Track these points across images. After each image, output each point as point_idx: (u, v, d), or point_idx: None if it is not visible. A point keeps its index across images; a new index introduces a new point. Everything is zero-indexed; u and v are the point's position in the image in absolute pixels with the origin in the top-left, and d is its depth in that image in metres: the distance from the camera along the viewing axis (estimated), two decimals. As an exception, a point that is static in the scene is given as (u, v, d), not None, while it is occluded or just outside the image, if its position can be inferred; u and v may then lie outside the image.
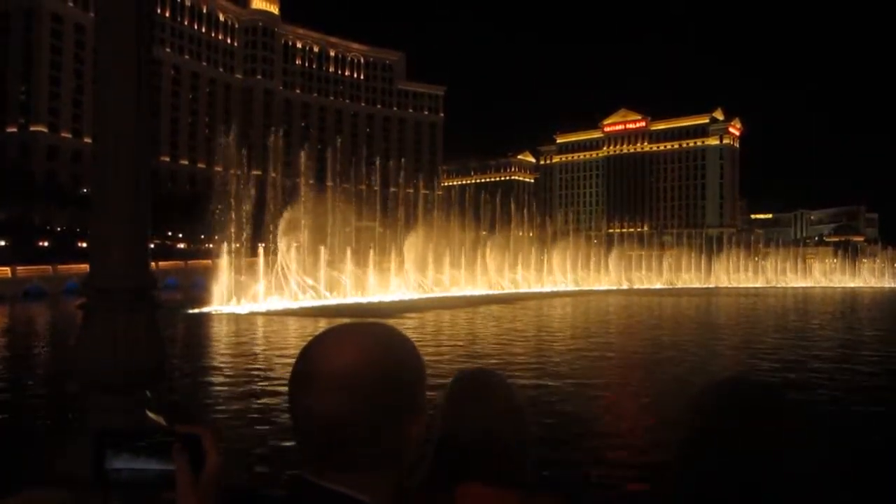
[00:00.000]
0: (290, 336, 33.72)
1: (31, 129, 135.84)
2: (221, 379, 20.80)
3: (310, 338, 1.29)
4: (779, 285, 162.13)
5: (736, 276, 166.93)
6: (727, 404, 1.38)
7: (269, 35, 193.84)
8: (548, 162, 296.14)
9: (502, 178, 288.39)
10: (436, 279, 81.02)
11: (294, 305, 54.83)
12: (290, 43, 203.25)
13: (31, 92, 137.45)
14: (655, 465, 11.15)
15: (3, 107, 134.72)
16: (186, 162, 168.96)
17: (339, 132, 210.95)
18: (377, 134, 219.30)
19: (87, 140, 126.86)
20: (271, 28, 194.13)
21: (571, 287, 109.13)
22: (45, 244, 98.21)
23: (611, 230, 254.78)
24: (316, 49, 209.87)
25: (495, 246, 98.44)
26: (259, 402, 16.75)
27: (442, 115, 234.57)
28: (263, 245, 63.07)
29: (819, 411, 15.42)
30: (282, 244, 61.95)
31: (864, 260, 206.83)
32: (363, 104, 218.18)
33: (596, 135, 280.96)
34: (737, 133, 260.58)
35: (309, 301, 58.44)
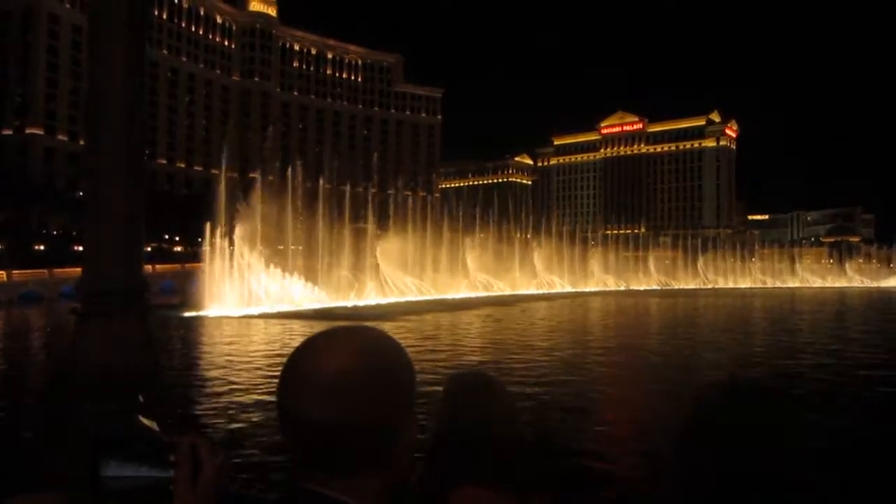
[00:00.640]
0: (278, 339, 33.68)
1: (28, 131, 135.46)
2: (212, 382, 20.76)
3: (298, 340, 1.26)
4: (778, 285, 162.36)
5: (732, 276, 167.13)
6: (725, 403, 1.40)
7: (267, 37, 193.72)
8: (545, 164, 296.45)
9: (500, 181, 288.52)
10: (416, 282, 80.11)
11: (291, 308, 54.75)
12: (288, 45, 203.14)
13: (27, 94, 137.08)
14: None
15: (0, 108, 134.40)
16: (183, 164, 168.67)
17: (336, 134, 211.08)
18: (375, 136, 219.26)
19: (84, 142, 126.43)
20: (269, 30, 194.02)
21: (569, 289, 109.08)
22: (41, 248, 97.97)
23: (608, 232, 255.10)
24: (313, 51, 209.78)
25: (482, 248, 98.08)
26: (250, 404, 16.73)
27: (439, 117, 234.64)
28: (261, 247, 63.03)
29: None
30: (266, 247, 61.92)
31: (860, 260, 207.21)
32: (361, 106, 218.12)
33: (593, 137, 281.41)
34: (733, 135, 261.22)
35: (306, 304, 58.36)
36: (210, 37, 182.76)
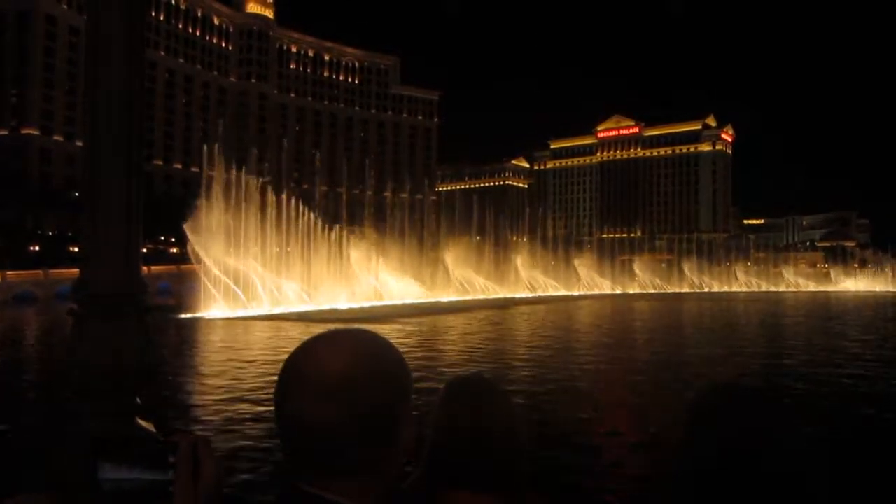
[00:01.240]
0: (273, 341, 33.63)
1: (24, 131, 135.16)
2: (206, 384, 20.72)
3: (288, 343, 1.39)
4: (772, 290, 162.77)
5: (727, 281, 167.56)
6: (723, 408, 1.41)
7: (264, 39, 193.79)
8: (542, 167, 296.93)
9: (497, 184, 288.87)
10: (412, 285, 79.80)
11: (287, 310, 54.68)
12: (285, 47, 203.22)
13: (24, 94, 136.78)
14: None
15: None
16: (180, 166, 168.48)
17: (333, 136, 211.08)
18: (372, 138, 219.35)
19: (80, 143, 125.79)
20: (266, 32, 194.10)
21: (563, 292, 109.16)
22: (37, 248, 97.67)
23: (604, 235, 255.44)
24: (311, 53, 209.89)
25: (476, 251, 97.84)
26: (244, 407, 16.70)
27: (436, 119, 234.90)
28: (256, 248, 62.89)
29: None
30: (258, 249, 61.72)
31: (856, 265, 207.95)
32: (358, 108, 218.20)
33: (590, 140, 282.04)
34: (729, 139, 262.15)
35: (302, 306, 58.30)
36: (207, 38, 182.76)
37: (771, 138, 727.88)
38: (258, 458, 11.94)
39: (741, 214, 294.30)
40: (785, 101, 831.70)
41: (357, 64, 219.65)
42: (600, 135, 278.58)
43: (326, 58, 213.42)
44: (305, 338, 1.30)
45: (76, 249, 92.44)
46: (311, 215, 68.67)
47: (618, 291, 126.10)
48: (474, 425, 1.80)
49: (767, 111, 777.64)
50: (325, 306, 58.93)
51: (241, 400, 17.74)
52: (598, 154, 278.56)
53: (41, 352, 30.81)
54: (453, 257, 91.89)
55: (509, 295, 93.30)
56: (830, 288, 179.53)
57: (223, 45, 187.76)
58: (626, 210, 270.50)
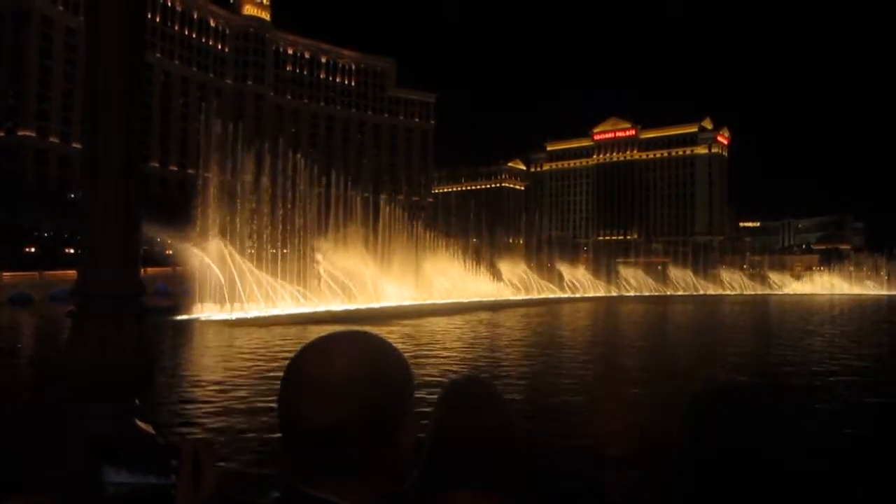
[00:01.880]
0: (270, 342, 33.56)
1: (20, 133, 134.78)
2: (202, 385, 20.67)
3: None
4: (768, 292, 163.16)
5: (722, 283, 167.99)
6: (720, 407, 1.42)
7: (261, 41, 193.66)
8: (538, 169, 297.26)
9: (493, 186, 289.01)
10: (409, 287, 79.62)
11: (283, 312, 54.57)
12: (282, 49, 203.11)
13: (20, 95, 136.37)
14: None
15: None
16: (176, 167, 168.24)
17: (329, 138, 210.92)
18: (368, 140, 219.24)
19: (76, 145, 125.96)
20: (262, 34, 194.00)
21: (558, 295, 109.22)
22: (32, 250, 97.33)
23: (600, 238, 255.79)
24: (307, 55, 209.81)
25: (472, 254, 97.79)
26: (238, 408, 16.67)
27: (433, 122, 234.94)
28: (252, 251, 62.81)
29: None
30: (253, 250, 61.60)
31: (851, 268, 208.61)
32: (354, 111, 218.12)
33: (586, 143, 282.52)
34: (725, 142, 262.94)
35: (294, 308, 58.19)
36: (204, 40, 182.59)
37: (767, 141, 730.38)
38: (254, 459, 11.92)
39: (737, 217, 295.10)
40: (781, 104, 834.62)
41: (353, 66, 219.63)
42: (597, 137, 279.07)
43: (323, 60, 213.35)
44: (303, 339, 1.26)
45: (72, 251, 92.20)
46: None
47: (613, 294, 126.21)
48: (472, 426, 1.81)
49: (763, 114, 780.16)
50: (321, 308, 58.89)
51: (236, 401, 17.71)
52: (595, 156, 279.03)
53: (38, 353, 30.71)
54: (441, 262, 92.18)
55: (500, 297, 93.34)
56: (834, 291, 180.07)
57: (219, 47, 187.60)
58: (622, 212, 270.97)
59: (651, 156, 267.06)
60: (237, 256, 58.23)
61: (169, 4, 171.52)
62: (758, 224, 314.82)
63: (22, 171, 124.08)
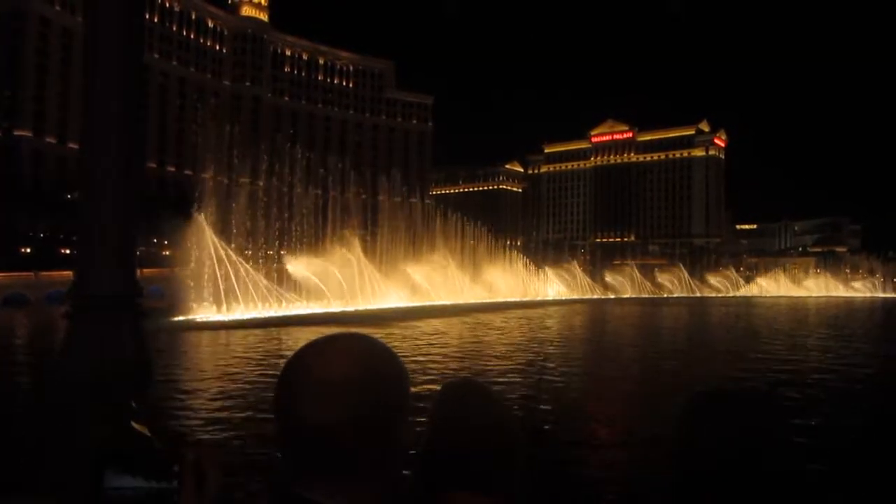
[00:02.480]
0: (265, 344, 33.53)
1: (16, 133, 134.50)
2: (197, 388, 20.63)
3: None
4: (766, 294, 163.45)
5: (718, 285, 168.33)
6: (716, 412, 1.44)
7: (259, 42, 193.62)
8: (536, 171, 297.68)
9: (491, 188, 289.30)
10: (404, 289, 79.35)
11: (278, 313, 54.54)
12: (280, 50, 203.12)
13: (16, 95, 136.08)
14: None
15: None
16: (174, 168, 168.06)
17: (327, 140, 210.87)
18: (366, 142, 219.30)
19: (73, 145, 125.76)
20: (261, 35, 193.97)
21: (555, 297, 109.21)
22: (28, 251, 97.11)
23: (598, 240, 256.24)
24: (305, 57, 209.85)
25: (468, 256, 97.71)
26: (233, 411, 16.64)
27: (431, 124, 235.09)
28: (249, 253, 62.75)
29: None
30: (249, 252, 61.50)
31: (847, 270, 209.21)
32: (352, 112, 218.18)
33: (583, 145, 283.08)
34: (722, 145, 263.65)
35: (293, 310, 58.13)
36: (202, 41, 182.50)
37: (764, 143, 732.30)
38: (249, 462, 11.89)
39: (734, 219, 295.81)
40: (778, 106, 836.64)
41: (352, 68, 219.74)
42: (594, 139, 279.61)
43: (321, 61, 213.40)
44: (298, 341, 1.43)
45: (68, 252, 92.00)
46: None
47: (610, 297, 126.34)
48: (468, 427, 1.84)
49: (760, 116, 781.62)
50: (318, 310, 58.87)
51: (230, 405, 17.67)
52: (593, 158, 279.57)
53: (33, 354, 30.61)
54: (463, 264, 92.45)
55: (501, 299, 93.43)
56: (832, 293, 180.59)
57: (217, 48, 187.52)
58: (619, 215, 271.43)
59: (648, 158, 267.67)
60: (233, 258, 58.13)
61: (167, 5, 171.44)
62: (755, 226, 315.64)
63: (18, 171, 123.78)
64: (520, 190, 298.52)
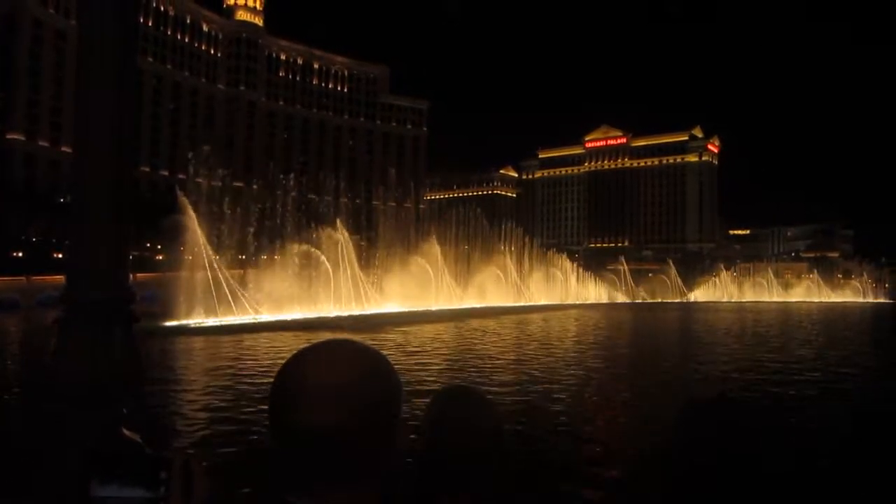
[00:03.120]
0: (259, 349, 33.42)
1: (8, 136, 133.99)
2: (190, 394, 20.54)
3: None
4: (758, 300, 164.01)
5: (712, 291, 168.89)
6: (708, 420, 1.45)
7: (253, 46, 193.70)
8: (530, 177, 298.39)
9: (485, 193, 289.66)
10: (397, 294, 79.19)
11: (271, 318, 54.38)
12: (274, 55, 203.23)
13: (8, 99, 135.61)
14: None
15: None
16: (167, 172, 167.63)
17: (322, 144, 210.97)
18: (360, 147, 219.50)
19: (66, 149, 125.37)
20: (255, 39, 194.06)
21: (547, 301, 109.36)
22: (20, 254, 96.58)
23: (592, 245, 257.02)
24: (300, 61, 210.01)
25: (463, 261, 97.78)
26: (226, 419, 16.57)
27: (425, 129, 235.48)
28: (243, 257, 62.61)
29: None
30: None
31: (839, 275, 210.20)
32: (346, 117, 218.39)
33: (577, 150, 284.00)
34: (715, 150, 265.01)
35: (287, 314, 57.97)
36: (196, 45, 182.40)
37: (757, 149, 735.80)
38: (239, 469, 11.83)
39: (727, 225, 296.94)
40: (771, 112, 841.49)
41: (346, 72, 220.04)
42: (588, 145, 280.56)
43: (315, 66, 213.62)
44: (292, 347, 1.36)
45: (61, 255, 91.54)
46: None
47: (604, 301, 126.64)
48: (462, 433, 1.83)
49: (753, 122, 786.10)
50: (313, 314, 58.73)
51: (223, 410, 17.59)
52: (587, 164, 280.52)
53: (24, 359, 30.41)
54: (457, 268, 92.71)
55: (495, 304, 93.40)
56: (823, 298, 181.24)
57: (212, 52, 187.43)
58: (613, 220, 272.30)
59: (642, 164, 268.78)
60: (225, 262, 57.96)
61: (161, 9, 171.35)
62: (747, 232, 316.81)
63: (10, 174, 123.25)
64: (514, 195, 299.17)
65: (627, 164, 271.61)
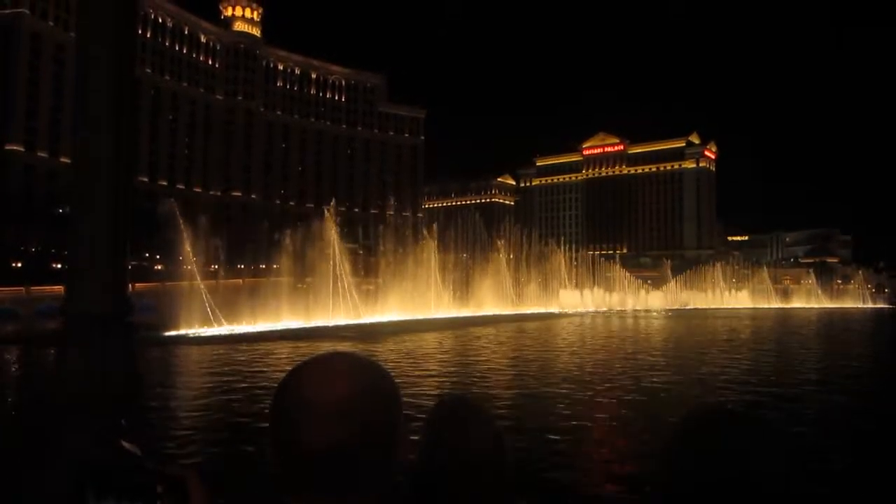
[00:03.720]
0: (256, 360, 33.36)
1: (7, 147, 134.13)
2: (188, 406, 20.50)
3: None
4: (759, 306, 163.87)
5: (712, 297, 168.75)
6: (707, 432, 1.42)
7: (251, 57, 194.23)
8: (527, 184, 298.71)
9: (483, 201, 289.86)
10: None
11: (270, 328, 54.31)
12: (272, 65, 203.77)
13: (7, 110, 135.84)
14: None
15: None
16: (165, 183, 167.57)
17: (319, 154, 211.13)
18: (358, 156, 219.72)
19: (65, 159, 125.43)
20: (253, 50, 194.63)
21: (545, 309, 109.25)
22: (19, 265, 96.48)
23: (590, 252, 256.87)
24: (297, 71, 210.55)
25: (462, 268, 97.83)
26: (225, 430, 16.55)
27: (423, 137, 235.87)
28: (241, 267, 62.65)
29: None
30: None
31: (839, 281, 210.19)
32: (344, 126, 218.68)
33: (575, 158, 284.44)
34: (712, 157, 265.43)
35: (285, 324, 57.90)
36: (194, 56, 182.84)
37: (754, 155, 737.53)
38: (238, 481, 11.82)
39: (725, 231, 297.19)
40: (767, 117, 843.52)
41: (343, 82, 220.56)
42: (586, 152, 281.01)
43: (313, 75, 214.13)
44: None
45: (59, 266, 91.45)
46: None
47: (603, 309, 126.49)
48: (458, 445, 1.82)
49: (750, 128, 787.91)
50: (312, 324, 58.69)
51: (222, 421, 17.57)
52: (584, 171, 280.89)
53: (22, 371, 30.34)
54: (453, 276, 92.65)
55: (496, 311, 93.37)
56: (825, 305, 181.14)
57: (210, 62, 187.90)
58: (611, 227, 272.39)
59: (639, 170, 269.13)
60: (226, 272, 57.98)
61: (160, 20, 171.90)
62: (746, 238, 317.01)
63: (9, 185, 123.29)
64: (512, 203, 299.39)
65: (625, 171, 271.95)
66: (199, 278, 55.69)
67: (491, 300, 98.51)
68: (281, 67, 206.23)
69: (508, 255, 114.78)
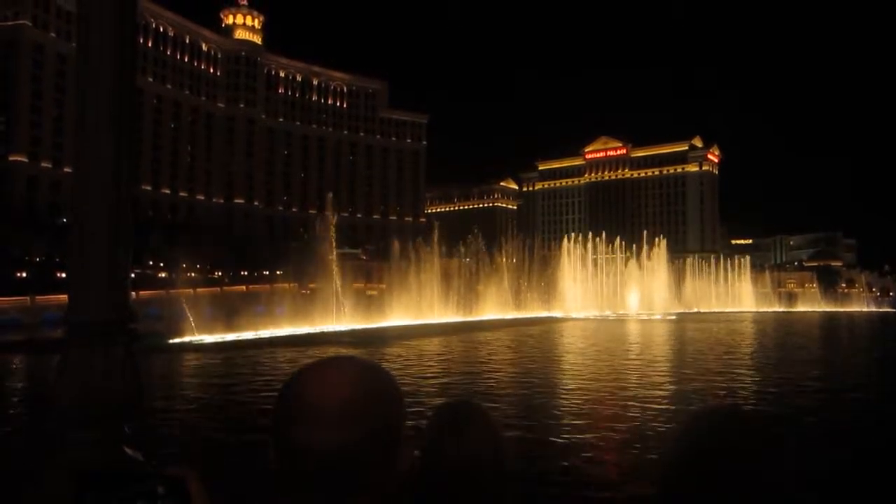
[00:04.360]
0: (261, 366, 33.34)
1: (11, 158, 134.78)
2: (190, 412, 20.49)
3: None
4: (764, 310, 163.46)
5: (717, 301, 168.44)
6: (713, 432, 1.43)
7: (252, 64, 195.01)
8: (530, 189, 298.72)
9: (485, 205, 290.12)
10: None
11: (274, 333, 54.32)
12: (273, 72, 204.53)
13: (11, 121, 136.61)
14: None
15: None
16: (168, 191, 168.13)
17: (321, 160, 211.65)
18: (360, 162, 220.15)
19: (68, 169, 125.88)
20: (254, 57, 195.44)
21: (547, 314, 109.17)
22: (23, 275, 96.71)
23: (593, 257, 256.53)
24: (299, 78, 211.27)
25: (464, 274, 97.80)
26: (227, 435, 16.53)
27: (425, 143, 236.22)
28: (244, 274, 62.71)
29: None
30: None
31: (843, 285, 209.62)
32: (346, 132, 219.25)
33: (578, 162, 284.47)
34: (715, 160, 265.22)
35: (289, 330, 57.91)
36: (196, 64, 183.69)
37: (758, 158, 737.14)
38: (239, 484, 11.79)
39: (729, 234, 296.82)
40: (771, 120, 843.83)
41: (345, 88, 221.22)
42: (588, 156, 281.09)
43: (314, 82, 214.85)
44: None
45: (63, 275, 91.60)
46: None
47: (607, 313, 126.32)
48: (460, 449, 1.82)
49: (753, 131, 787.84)
50: (316, 329, 58.69)
51: (224, 427, 17.55)
52: (587, 175, 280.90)
53: (27, 380, 30.38)
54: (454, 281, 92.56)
55: (498, 316, 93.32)
56: (830, 308, 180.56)
57: (211, 70, 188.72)
58: (614, 231, 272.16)
59: (642, 174, 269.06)
60: (228, 279, 58.02)
61: (161, 29, 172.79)
62: (750, 241, 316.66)
63: (13, 195, 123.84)
64: (514, 207, 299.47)
65: (628, 175, 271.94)
66: (203, 286, 55.80)
67: (493, 305, 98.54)
68: (282, 74, 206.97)
69: (511, 260, 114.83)
